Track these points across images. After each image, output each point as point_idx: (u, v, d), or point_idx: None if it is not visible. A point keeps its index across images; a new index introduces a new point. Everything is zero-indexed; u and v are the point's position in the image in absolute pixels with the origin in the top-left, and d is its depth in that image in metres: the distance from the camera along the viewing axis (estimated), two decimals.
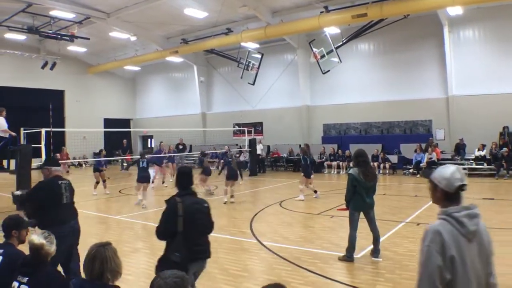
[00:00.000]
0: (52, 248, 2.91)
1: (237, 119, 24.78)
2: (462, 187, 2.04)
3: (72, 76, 27.20)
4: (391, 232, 7.49)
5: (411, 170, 17.47)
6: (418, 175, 16.29)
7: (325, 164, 19.98)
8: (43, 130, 12.38)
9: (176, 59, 25.59)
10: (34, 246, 2.84)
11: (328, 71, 18.89)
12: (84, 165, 25.86)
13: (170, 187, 13.98)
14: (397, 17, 16.84)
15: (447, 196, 2.05)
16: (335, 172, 19.28)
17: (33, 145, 11.80)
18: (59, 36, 19.43)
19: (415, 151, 17.39)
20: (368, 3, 15.69)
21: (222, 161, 17.95)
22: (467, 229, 1.95)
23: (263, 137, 23.95)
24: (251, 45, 21.24)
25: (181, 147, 21.10)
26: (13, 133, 10.65)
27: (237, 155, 17.17)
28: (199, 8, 18.37)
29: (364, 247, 6.30)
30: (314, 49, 18.41)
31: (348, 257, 5.86)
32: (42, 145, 12.24)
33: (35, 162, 11.45)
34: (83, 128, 24.14)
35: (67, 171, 19.19)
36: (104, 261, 2.56)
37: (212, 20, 19.64)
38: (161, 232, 3.64)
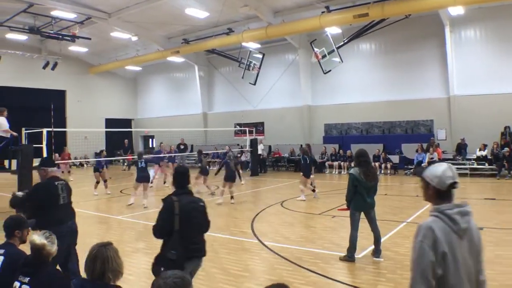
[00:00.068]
0: (53, 248, 2.91)
1: (238, 119, 24.78)
2: (453, 185, 2.05)
3: (73, 76, 27.24)
4: (393, 232, 7.48)
5: (412, 170, 17.45)
6: None
7: (326, 164, 19.99)
8: (45, 130, 12.38)
9: (177, 59, 25.59)
10: (36, 246, 2.84)
11: (330, 71, 18.86)
12: (85, 165, 25.91)
13: (172, 187, 13.95)
14: (399, 17, 16.83)
15: (439, 194, 2.07)
16: (336, 172, 19.29)
17: (34, 145, 11.78)
18: (61, 36, 19.47)
19: (417, 151, 17.34)
20: (370, 3, 15.69)
21: (221, 160, 17.89)
22: (459, 226, 1.97)
23: (264, 137, 23.94)
24: (252, 45, 21.25)
25: (182, 147, 21.10)
26: (15, 133, 10.66)
27: (238, 155, 17.13)
28: (200, 8, 18.38)
29: (365, 247, 6.30)
30: (316, 49, 18.41)
31: (349, 257, 5.86)
32: (44, 145, 12.26)
33: (37, 162, 11.44)
34: (84, 128, 24.20)
35: (69, 171, 19.24)
36: (106, 261, 2.56)
37: (213, 20, 19.63)
38: (158, 230, 3.69)
